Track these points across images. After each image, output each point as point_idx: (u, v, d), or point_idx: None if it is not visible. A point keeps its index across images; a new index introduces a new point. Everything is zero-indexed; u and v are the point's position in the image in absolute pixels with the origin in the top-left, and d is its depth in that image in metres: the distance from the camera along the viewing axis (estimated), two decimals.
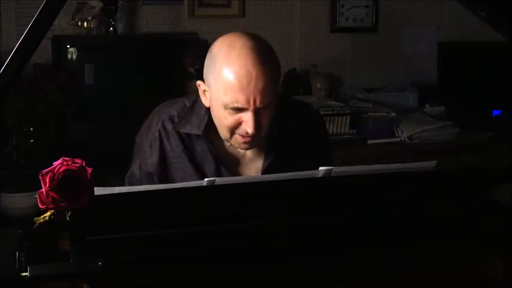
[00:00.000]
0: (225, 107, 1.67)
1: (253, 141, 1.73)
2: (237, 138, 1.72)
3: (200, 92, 1.77)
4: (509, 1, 1.58)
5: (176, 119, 1.82)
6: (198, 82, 1.76)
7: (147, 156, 1.82)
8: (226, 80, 1.65)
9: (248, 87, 1.63)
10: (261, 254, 1.35)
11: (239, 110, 1.67)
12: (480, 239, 1.48)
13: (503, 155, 3.42)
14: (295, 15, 3.87)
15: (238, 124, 1.69)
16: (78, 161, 1.22)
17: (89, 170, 1.22)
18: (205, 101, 1.77)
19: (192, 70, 3.21)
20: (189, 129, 1.80)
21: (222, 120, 1.71)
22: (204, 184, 1.37)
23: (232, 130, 1.71)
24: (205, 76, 1.73)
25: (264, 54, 1.66)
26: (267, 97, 1.65)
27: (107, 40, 3.42)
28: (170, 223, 1.34)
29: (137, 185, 1.78)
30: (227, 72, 1.65)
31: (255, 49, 1.65)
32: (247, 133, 1.69)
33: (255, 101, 1.64)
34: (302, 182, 1.42)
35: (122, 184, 1.84)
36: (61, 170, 1.19)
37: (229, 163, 1.81)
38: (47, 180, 1.18)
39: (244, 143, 1.73)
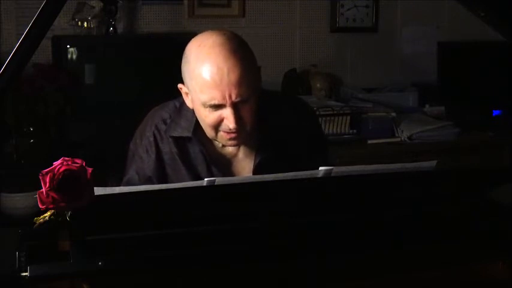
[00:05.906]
0: (204, 105, 1.68)
1: (239, 137, 1.73)
2: (222, 135, 1.72)
3: (183, 95, 1.79)
4: (509, 1, 1.58)
5: (168, 121, 1.83)
6: (180, 85, 1.77)
7: (144, 160, 1.82)
8: (200, 79, 1.66)
9: (221, 82, 1.64)
10: (261, 254, 1.35)
11: (218, 107, 1.67)
12: (480, 239, 1.48)
13: (503, 155, 3.42)
14: (295, 15, 3.86)
15: (220, 121, 1.69)
16: (78, 161, 1.21)
17: (89, 170, 1.22)
18: (188, 103, 1.78)
19: None
20: (179, 132, 1.81)
21: (204, 119, 1.71)
22: (204, 184, 1.37)
23: (216, 128, 1.71)
24: (183, 78, 1.74)
25: (235, 49, 1.66)
26: (243, 90, 1.65)
27: (107, 40, 3.42)
28: (170, 223, 1.34)
29: None
30: (200, 70, 1.66)
31: (225, 45, 1.66)
32: (230, 129, 1.69)
33: (230, 96, 1.65)
34: (302, 182, 1.42)
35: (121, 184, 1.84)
36: (61, 170, 1.19)
37: (221, 163, 1.81)
38: (47, 180, 1.18)
39: (230, 139, 1.73)
